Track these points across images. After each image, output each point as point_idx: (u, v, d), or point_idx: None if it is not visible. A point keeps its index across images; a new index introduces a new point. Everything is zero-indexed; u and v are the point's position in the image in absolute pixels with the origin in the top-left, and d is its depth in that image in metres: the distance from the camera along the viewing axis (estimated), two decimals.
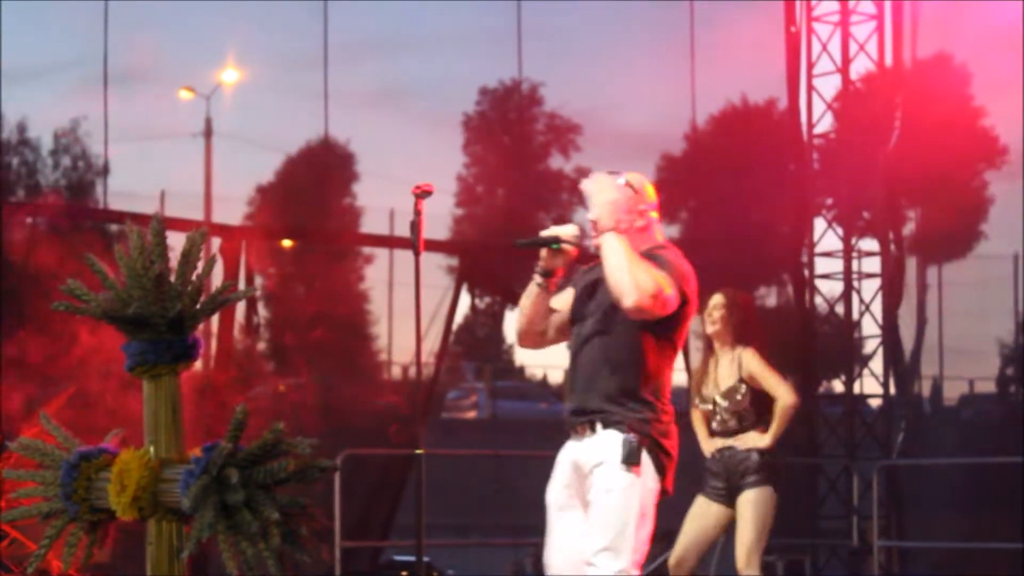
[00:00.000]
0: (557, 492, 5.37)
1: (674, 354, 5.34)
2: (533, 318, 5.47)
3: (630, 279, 5.07)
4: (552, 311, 5.49)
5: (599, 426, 5.22)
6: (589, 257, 5.46)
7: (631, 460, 5.12)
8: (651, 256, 5.24)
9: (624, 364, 5.22)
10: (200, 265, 4.14)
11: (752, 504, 7.72)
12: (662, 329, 5.24)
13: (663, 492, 5.26)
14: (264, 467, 3.84)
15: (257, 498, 3.80)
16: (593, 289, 5.39)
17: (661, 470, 5.23)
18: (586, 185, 5.32)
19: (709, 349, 8.00)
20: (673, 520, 7.48)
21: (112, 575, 8.19)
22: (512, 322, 5.56)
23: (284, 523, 3.79)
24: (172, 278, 4.10)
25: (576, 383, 5.34)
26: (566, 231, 5.38)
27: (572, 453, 5.33)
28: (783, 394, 7.78)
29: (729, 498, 7.83)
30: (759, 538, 7.72)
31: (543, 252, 5.40)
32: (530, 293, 5.44)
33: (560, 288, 5.52)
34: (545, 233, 5.37)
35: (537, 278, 5.43)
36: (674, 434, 5.30)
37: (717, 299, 7.92)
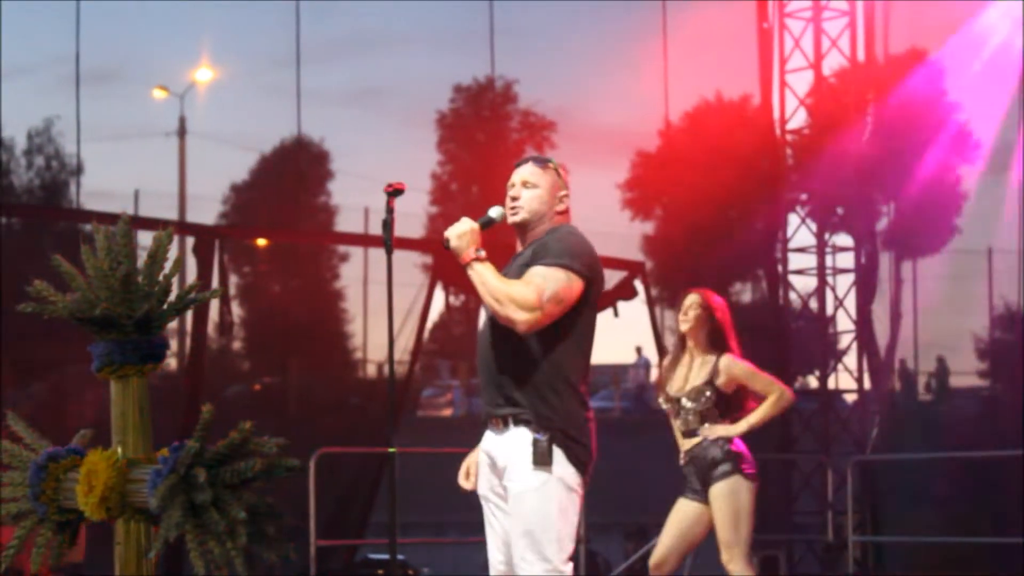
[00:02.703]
0: (482, 486, 5.33)
1: (585, 338, 5.21)
2: None
3: (509, 301, 5.01)
4: None
5: (510, 422, 5.15)
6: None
7: (541, 461, 5.05)
8: (547, 240, 5.17)
9: (529, 355, 5.12)
10: (168, 265, 4.13)
11: (722, 497, 7.54)
12: (564, 315, 5.14)
13: (584, 483, 5.16)
14: (231, 466, 3.83)
15: (224, 497, 3.79)
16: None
17: (578, 462, 5.12)
18: (447, 233, 5.17)
19: (681, 347, 7.84)
20: (644, 516, 7.44)
21: (84, 575, 8.17)
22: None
23: (251, 522, 3.79)
24: (140, 278, 4.09)
25: (485, 374, 5.24)
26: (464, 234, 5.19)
27: (488, 444, 5.27)
28: (778, 389, 7.65)
29: (706, 496, 7.63)
30: (737, 530, 7.52)
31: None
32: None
33: None
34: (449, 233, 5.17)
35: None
36: (589, 421, 5.19)
37: (693, 298, 7.77)
